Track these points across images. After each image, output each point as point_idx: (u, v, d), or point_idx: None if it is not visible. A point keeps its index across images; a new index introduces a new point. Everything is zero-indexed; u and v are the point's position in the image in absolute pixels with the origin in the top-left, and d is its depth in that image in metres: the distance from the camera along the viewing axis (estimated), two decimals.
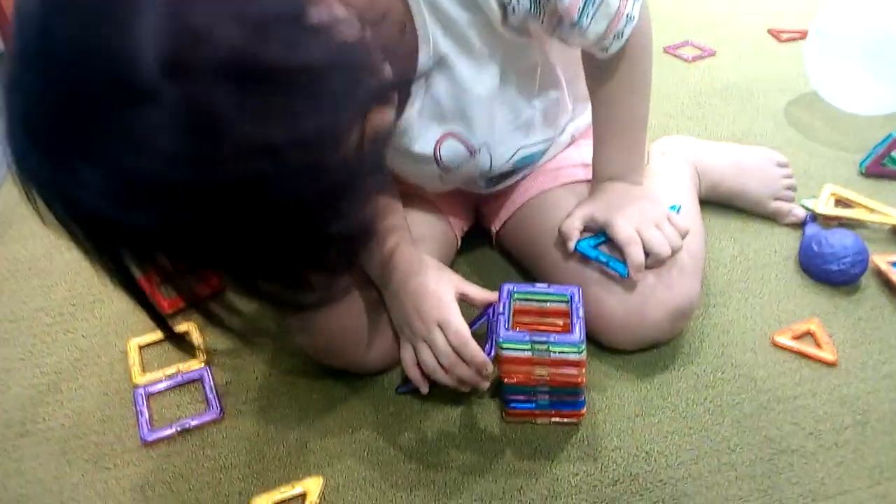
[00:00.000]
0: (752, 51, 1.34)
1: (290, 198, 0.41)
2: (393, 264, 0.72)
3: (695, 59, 1.32)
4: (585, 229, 0.76)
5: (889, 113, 1.10)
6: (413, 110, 0.69)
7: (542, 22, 0.67)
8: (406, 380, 0.75)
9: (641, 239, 0.72)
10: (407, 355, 0.72)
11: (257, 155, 0.38)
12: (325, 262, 0.47)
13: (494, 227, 0.88)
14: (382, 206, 0.75)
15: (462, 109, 0.70)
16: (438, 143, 0.72)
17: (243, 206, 0.39)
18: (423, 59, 0.66)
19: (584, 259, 0.76)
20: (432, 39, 0.64)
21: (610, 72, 0.74)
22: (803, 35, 1.29)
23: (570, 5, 0.64)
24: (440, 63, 0.66)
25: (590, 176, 0.82)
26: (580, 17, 0.65)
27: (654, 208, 0.75)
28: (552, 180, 0.84)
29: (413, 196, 0.84)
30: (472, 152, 0.74)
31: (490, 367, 0.68)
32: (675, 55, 1.34)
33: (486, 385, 0.70)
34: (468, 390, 0.71)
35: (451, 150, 0.73)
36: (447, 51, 0.66)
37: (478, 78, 0.69)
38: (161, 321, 0.50)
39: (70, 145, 0.38)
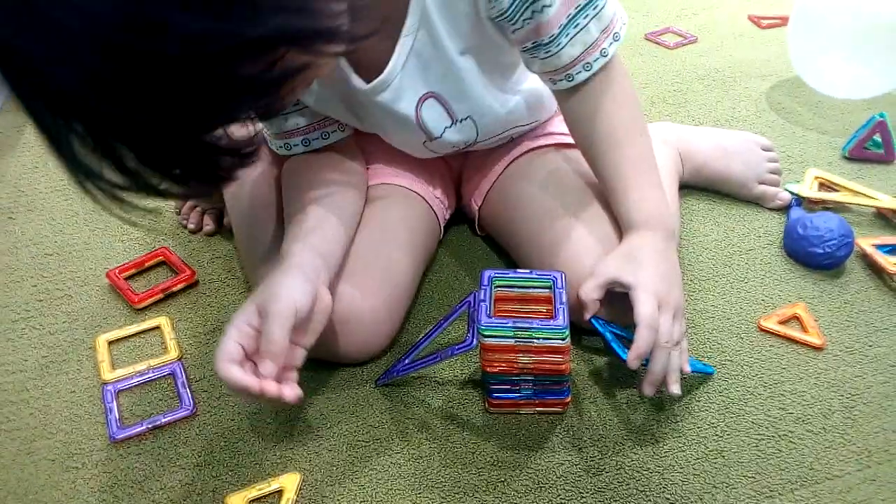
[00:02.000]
0: (733, 37, 1.34)
1: (180, 87, 0.43)
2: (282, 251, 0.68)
3: (676, 45, 1.31)
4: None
5: (871, 97, 1.10)
6: (398, 65, 0.68)
7: (514, 32, 0.66)
8: (386, 372, 0.72)
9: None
10: None
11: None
12: (198, 165, 0.49)
13: (476, 203, 0.86)
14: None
15: (445, 72, 0.69)
16: (420, 101, 0.71)
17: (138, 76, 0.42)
18: (412, 20, 0.65)
19: (563, 233, 0.75)
20: (423, 4, 0.64)
21: (598, 115, 0.72)
22: (783, 21, 1.29)
23: (553, 19, 0.64)
24: (426, 23, 0.66)
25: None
26: (559, 34, 0.66)
27: (680, 293, 0.68)
28: (532, 141, 0.84)
29: (397, 184, 0.82)
30: (454, 120, 0.74)
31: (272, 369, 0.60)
32: (656, 42, 1.33)
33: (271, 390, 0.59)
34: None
35: (433, 113, 0.72)
36: (435, 17, 0.65)
37: (461, 52, 0.68)
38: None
39: None
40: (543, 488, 0.63)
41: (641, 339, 0.63)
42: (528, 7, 0.63)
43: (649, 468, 0.65)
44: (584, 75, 0.70)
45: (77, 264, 0.91)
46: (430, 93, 0.71)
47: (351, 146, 0.80)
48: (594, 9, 0.66)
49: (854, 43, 1.03)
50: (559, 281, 0.67)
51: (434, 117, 0.73)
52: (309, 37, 0.48)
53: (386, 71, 0.68)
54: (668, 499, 0.62)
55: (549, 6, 0.63)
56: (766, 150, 0.94)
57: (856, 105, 1.11)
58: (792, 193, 0.92)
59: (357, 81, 0.69)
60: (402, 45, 0.67)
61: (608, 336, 0.69)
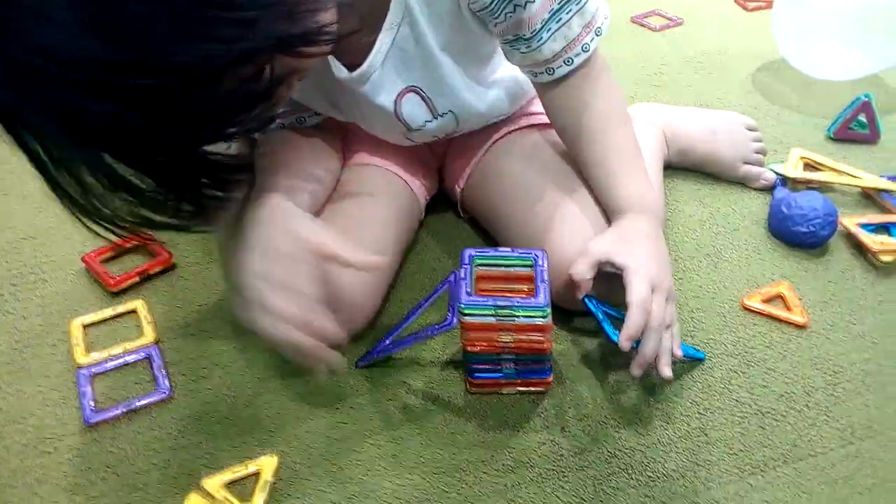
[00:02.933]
0: (719, 19, 1.33)
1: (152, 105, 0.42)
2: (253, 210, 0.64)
3: (662, 28, 1.30)
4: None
5: (857, 78, 1.09)
6: (378, 59, 0.67)
7: (496, 25, 0.66)
8: (367, 353, 0.71)
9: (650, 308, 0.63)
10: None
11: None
12: (185, 185, 0.49)
13: (458, 186, 0.85)
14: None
15: (426, 68, 0.69)
16: (400, 95, 0.70)
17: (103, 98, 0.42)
18: (394, 13, 0.64)
19: (547, 210, 0.73)
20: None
21: (579, 108, 0.72)
22: (769, 3, 1.29)
23: (535, 14, 0.64)
24: (409, 16, 0.65)
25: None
26: (541, 29, 0.65)
27: (671, 277, 0.67)
28: (515, 123, 0.83)
29: (376, 165, 0.81)
30: (435, 115, 0.73)
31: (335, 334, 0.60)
32: (642, 24, 1.32)
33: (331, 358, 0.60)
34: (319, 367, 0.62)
35: (414, 107, 0.71)
36: (418, 12, 0.64)
37: (442, 47, 0.67)
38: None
39: None
40: (525, 467, 0.63)
41: (633, 321, 0.62)
42: (510, 1, 0.63)
43: (632, 446, 0.64)
44: (564, 69, 0.69)
45: (52, 248, 0.89)
46: (411, 87, 0.70)
47: (328, 127, 0.78)
48: (577, 4, 0.66)
49: (839, 25, 1.03)
50: (540, 259, 0.66)
51: (414, 112, 0.72)
52: (296, 41, 0.48)
53: (366, 63, 0.67)
54: (651, 476, 0.62)
55: (532, 1, 0.63)
56: (751, 130, 0.94)
57: (841, 87, 1.10)
58: (776, 174, 0.92)
59: (338, 71, 0.68)
60: (383, 39, 0.66)
61: (600, 316, 0.68)
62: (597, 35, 0.69)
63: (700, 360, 0.71)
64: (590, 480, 0.61)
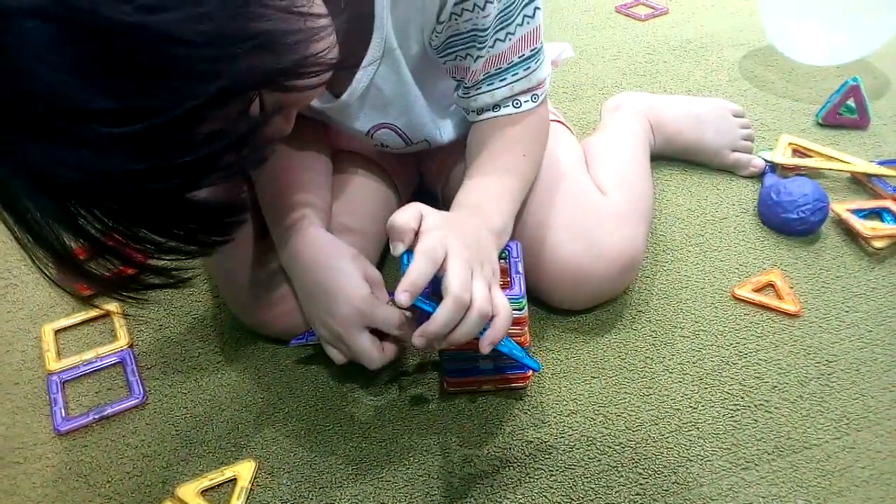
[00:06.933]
0: (705, 7, 1.31)
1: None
2: (298, 248, 0.64)
3: (647, 17, 1.28)
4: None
5: (844, 63, 1.08)
6: (356, 94, 0.64)
7: (445, 63, 0.64)
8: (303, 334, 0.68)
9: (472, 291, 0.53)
10: (337, 355, 0.64)
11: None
12: (176, 227, 0.44)
13: (439, 188, 0.83)
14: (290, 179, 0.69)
15: (404, 107, 0.67)
16: (374, 128, 0.69)
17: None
18: (374, 49, 0.62)
19: (540, 210, 0.70)
20: (386, 30, 0.60)
21: (496, 132, 0.67)
22: None
23: (479, 69, 0.63)
24: (389, 56, 0.62)
25: None
26: (483, 81, 0.64)
27: (494, 258, 0.59)
28: None
29: (356, 159, 0.78)
30: (409, 144, 0.72)
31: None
32: (627, 14, 1.30)
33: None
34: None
35: (387, 137, 0.71)
36: (396, 46, 0.62)
37: (417, 75, 0.65)
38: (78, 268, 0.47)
39: None
40: (511, 466, 0.61)
41: (445, 310, 0.52)
42: (464, 48, 0.61)
43: (621, 443, 0.62)
44: (489, 114, 0.67)
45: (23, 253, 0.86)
46: (385, 124, 0.69)
47: (315, 128, 0.76)
48: (525, 70, 0.64)
49: (826, 9, 1.01)
50: (514, 250, 0.63)
51: (388, 140, 0.71)
52: (283, 75, 0.45)
53: (342, 97, 0.65)
54: (641, 473, 0.60)
55: (481, 57, 0.62)
56: (737, 116, 0.92)
57: (828, 72, 1.09)
58: (765, 160, 0.90)
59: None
60: (360, 77, 0.63)
61: (418, 301, 0.54)
62: (532, 101, 0.66)
63: (535, 371, 0.62)
64: (579, 479, 0.59)
